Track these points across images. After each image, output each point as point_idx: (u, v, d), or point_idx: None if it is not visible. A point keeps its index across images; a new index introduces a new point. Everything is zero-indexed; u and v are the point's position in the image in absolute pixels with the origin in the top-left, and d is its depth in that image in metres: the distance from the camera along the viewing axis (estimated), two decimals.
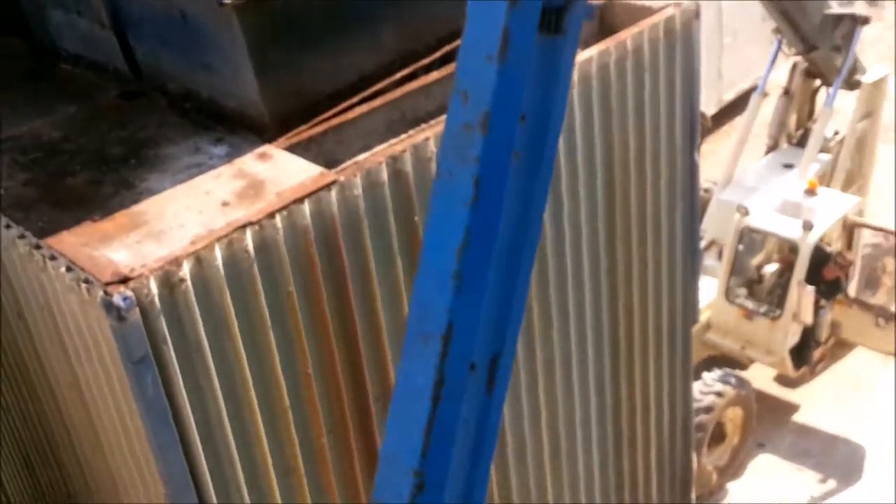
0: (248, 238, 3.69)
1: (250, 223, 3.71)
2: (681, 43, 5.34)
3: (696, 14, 5.37)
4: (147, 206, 3.93)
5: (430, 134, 4.33)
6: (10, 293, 4.25)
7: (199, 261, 3.57)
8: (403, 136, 4.75)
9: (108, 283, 3.41)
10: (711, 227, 10.24)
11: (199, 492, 3.78)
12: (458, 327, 2.39)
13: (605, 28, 5.46)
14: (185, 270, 3.53)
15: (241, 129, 4.38)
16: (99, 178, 4.18)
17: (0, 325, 4.63)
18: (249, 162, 4.19)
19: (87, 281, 3.45)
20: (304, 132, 4.40)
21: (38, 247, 3.71)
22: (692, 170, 5.98)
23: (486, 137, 2.31)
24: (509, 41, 2.27)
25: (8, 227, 3.88)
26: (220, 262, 3.62)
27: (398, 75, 4.57)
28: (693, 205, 6.10)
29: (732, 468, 9.68)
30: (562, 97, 2.52)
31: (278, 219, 3.77)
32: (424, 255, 2.39)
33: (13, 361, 4.75)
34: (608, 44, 4.94)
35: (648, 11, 5.30)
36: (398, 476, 2.40)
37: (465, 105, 2.33)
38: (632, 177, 5.46)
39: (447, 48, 4.70)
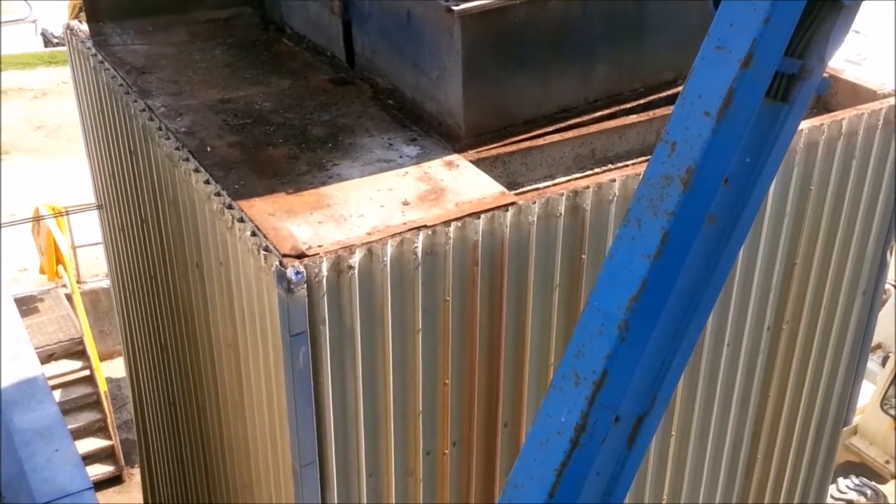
0: (420, 241, 3.78)
1: (425, 227, 3.81)
2: None
3: None
4: (334, 190, 4.09)
5: (616, 176, 4.30)
6: (193, 243, 4.53)
7: (371, 252, 3.69)
8: (589, 172, 4.75)
9: (285, 255, 3.57)
10: (881, 329, 9.68)
11: (322, 469, 3.90)
12: (611, 377, 2.36)
13: (821, 103, 5.26)
14: (356, 259, 3.65)
15: (435, 134, 4.50)
16: (296, 153, 4.39)
17: (176, 272, 4.94)
18: (436, 167, 4.29)
19: (266, 249, 3.63)
20: (493, 149, 4.47)
21: (230, 206, 3.93)
22: (881, 267, 5.67)
23: (684, 193, 2.27)
24: (732, 101, 2.23)
25: (207, 182, 4.13)
26: (388, 257, 3.73)
27: (598, 114, 4.56)
28: (873, 303, 5.78)
29: None
30: (772, 168, 2.45)
31: (452, 228, 3.84)
32: (594, 297, 2.37)
33: (182, 307, 5.06)
34: (823, 121, 4.76)
35: (872, 95, 5.07)
36: None
37: (670, 156, 2.29)
38: (815, 260, 5.23)
39: (653, 97, 4.66)
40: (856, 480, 9.14)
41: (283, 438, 3.93)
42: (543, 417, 2.41)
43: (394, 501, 4.19)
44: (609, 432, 2.38)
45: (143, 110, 4.87)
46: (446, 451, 4.27)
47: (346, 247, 3.64)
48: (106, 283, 12.53)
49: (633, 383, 2.39)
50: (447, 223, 3.83)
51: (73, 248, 11.74)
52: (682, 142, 2.29)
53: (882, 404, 9.32)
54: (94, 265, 12.65)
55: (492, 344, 4.20)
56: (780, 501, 6.01)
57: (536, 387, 4.45)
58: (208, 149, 4.43)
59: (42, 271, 11.77)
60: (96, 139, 6.25)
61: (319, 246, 3.64)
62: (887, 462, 9.30)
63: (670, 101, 4.81)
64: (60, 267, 11.15)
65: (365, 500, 4.10)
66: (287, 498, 4.06)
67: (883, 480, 9.45)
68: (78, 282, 11.66)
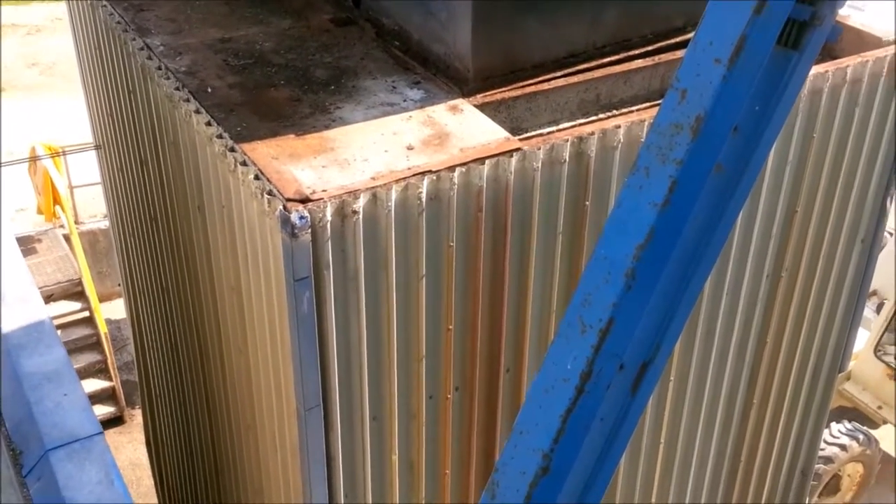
0: (424, 186, 3.77)
1: (429, 172, 3.79)
2: None
3: None
4: (337, 134, 4.06)
5: (620, 122, 4.27)
6: (194, 185, 4.51)
7: (375, 197, 3.67)
8: (593, 117, 4.72)
9: (289, 200, 3.56)
10: (877, 277, 9.73)
11: (326, 410, 3.94)
12: (617, 325, 2.37)
13: (825, 50, 5.20)
14: (360, 204, 3.64)
15: (441, 77, 4.45)
16: (299, 96, 4.35)
17: (177, 213, 4.93)
18: (440, 112, 4.26)
19: (270, 193, 3.61)
20: (498, 94, 4.42)
21: (232, 149, 3.90)
22: (880, 215, 5.68)
23: (693, 141, 2.25)
24: (744, 48, 2.20)
25: (209, 124, 4.10)
26: (393, 202, 3.72)
27: (605, 59, 4.51)
28: (872, 250, 5.80)
29: None
30: (780, 116, 2.43)
31: (456, 174, 3.82)
32: (601, 246, 2.37)
33: (184, 249, 5.06)
34: (827, 68, 4.71)
35: (877, 42, 5.01)
36: (526, 453, 2.43)
37: (680, 103, 2.27)
38: (815, 208, 5.23)
39: (661, 43, 4.60)
40: (848, 425, 9.27)
41: (287, 382, 3.96)
42: (549, 364, 2.43)
43: (396, 444, 4.25)
44: (613, 379, 2.41)
45: (142, 49, 4.80)
46: (449, 396, 4.31)
47: (350, 192, 3.63)
48: (104, 223, 12.52)
49: (638, 331, 2.41)
50: (451, 169, 3.81)
51: (71, 188, 11.70)
52: (692, 89, 2.27)
53: (875, 351, 9.40)
54: (91, 205, 12.63)
55: (494, 290, 4.21)
56: (775, 446, 6.10)
57: (538, 333, 4.48)
58: (209, 89, 4.38)
59: (39, 211, 11.75)
60: (93, 78, 6.17)
61: (323, 191, 3.62)
62: (879, 408, 9.42)
63: (678, 47, 4.76)
64: (58, 207, 11.13)
65: (368, 443, 4.15)
66: (291, 441, 4.11)
67: (875, 426, 9.58)
68: (76, 222, 11.64)
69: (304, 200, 3.57)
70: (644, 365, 2.48)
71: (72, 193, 11.76)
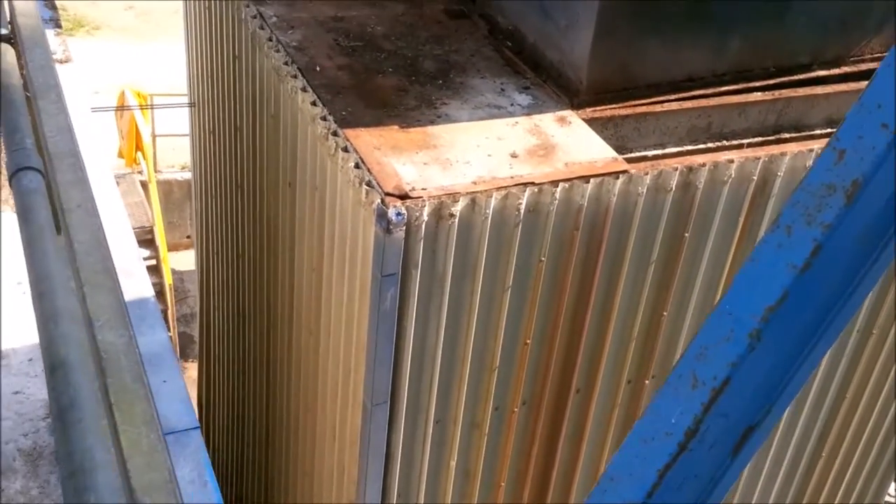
0: (525, 197, 3.66)
1: (532, 184, 3.68)
2: None
3: None
4: (441, 131, 3.97)
5: (734, 156, 4.12)
6: (289, 161, 4.46)
7: (474, 203, 3.58)
8: (700, 145, 4.55)
9: (388, 194, 3.48)
10: None
11: (392, 407, 3.88)
12: (732, 386, 2.24)
13: None
14: (459, 207, 3.55)
15: (551, 85, 4.33)
16: (406, 86, 4.26)
17: (265, 185, 4.90)
18: (548, 121, 4.14)
19: (369, 184, 3.54)
20: (608, 110, 4.29)
21: (335, 133, 3.84)
22: None
23: (845, 207, 2.10)
24: None
25: (314, 104, 4.04)
26: (491, 210, 3.62)
27: (723, 88, 4.34)
28: None
29: None
30: None
31: (559, 189, 3.71)
32: (728, 299, 2.24)
33: (267, 221, 5.03)
34: None
35: None
36: (615, 503, 2.32)
37: (837, 164, 2.11)
38: None
39: (783, 78, 4.42)
40: None
41: (357, 374, 3.90)
42: (652, 415, 2.31)
43: (456, 450, 4.17)
44: (718, 440, 2.28)
45: (255, 17, 4.76)
46: (515, 409, 4.22)
47: (450, 193, 3.54)
48: (180, 175, 12.65)
49: (752, 394, 2.28)
50: (555, 183, 3.70)
51: (154, 136, 11.84)
52: (852, 151, 2.11)
53: None
54: (170, 156, 12.77)
55: (578, 310, 4.10)
56: (837, 501, 5.90)
57: (614, 358, 4.36)
58: (317, 68, 4.33)
59: (121, 155, 11.92)
60: (198, 37, 6.17)
61: (423, 189, 3.54)
62: None
63: (801, 84, 4.56)
64: (139, 154, 11.26)
65: (429, 446, 4.08)
66: (352, 432, 4.06)
67: None
68: (154, 171, 11.79)
69: (403, 197, 3.49)
70: (751, 428, 2.34)
71: (154, 142, 11.90)
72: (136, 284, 3.48)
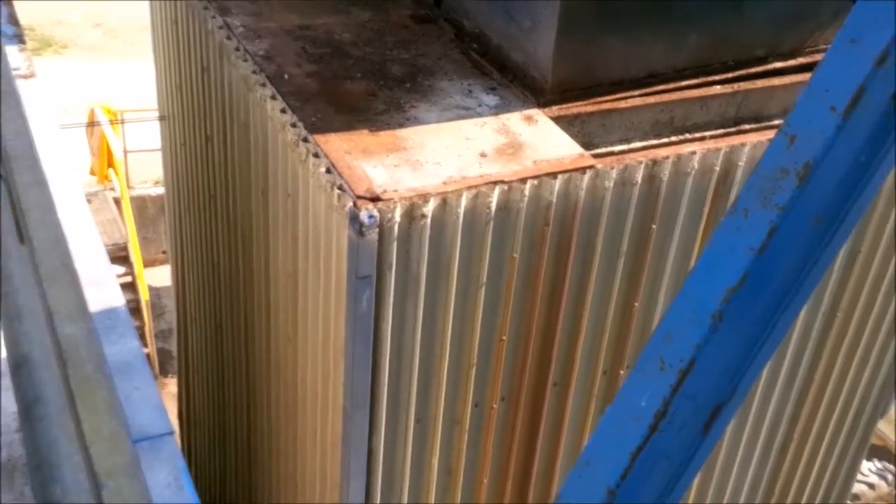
0: (495, 195, 3.74)
1: (501, 182, 3.75)
2: None
3: None
4: (411, 134, 4.03)
5: (696, 148, 4.21)
6: (260, 169, 4.51)
7: (445, 203, 3.65)
8: (665, 139, 4.65)
9: (359, 197, 3.54)
10: None
11: (371, 409, 3.93)
12: (698, 366, 2.32)
13: None
14: (430, 208, 3.62)
15: (517, 86, 4.41)
16: (374, 91, 4.33)
17: (238, 194, 4.94)
18: (515, 121, 4.22)
19: (341, 188, 3.60)
20: (574, 107, 4.37)
21: (305, 140, 3.89)
22: None
23: (798, 189, 2.19)
24: (861, 98, 2.13)
25: (283, 111, 4.09)
26: (462, 209, 3.69)
27: (684, 83, 4.45)
28: None
29: None
30: (884, 171, 2.35)
31: (528, 186, 3.79)
32: (690, 284, 2.32)
33: (241, 230, 5.07)
34: None
35: None
36: (591, 486, 2.38)
37: (788, 148, 2.19)
38: (879, 250, 5.13)
39: (741, 71, 4.53)
40: (878, 464, 9.15)
41: (335, 378, 3.95)
42: (623, 399, 2.38)
43: (438, 448, 4.23)
44: (687, 420, 2.35)
45: (221, 28, 4.80)
46: (494, 405, 4.28)
47: (421, 194, 3.61)
48: (153, 190, 12.63)
49: (718, 374, 2.36)
50: (524, 180, 3.78)
51: (126, 152, 11.82)
52: (802, 135, 2.20)
53: None
54: (143, 171, 12.74)
55: (552, 304, 4.17)
56: (810, 482, 6.01)
57: (589, 350, 4.44)
58: (286, 76, 4.38)
59: (92, 172, 11.88)
60: (166, 49, 6.20)
61: (395, 191, 3.60)
62: None
63: (758, 76, 4.68)
64: (111, 170, 11.24)
65: (410, 445, 4.14)
66: (333, 435, 4.11)
67: None
68: (127, 187, 11.76)
69: (375, 199, 3.55)
70: (718, 407, 2.42)
71: (126, 158, 11.88)
72: (106, 294, 3.49)
